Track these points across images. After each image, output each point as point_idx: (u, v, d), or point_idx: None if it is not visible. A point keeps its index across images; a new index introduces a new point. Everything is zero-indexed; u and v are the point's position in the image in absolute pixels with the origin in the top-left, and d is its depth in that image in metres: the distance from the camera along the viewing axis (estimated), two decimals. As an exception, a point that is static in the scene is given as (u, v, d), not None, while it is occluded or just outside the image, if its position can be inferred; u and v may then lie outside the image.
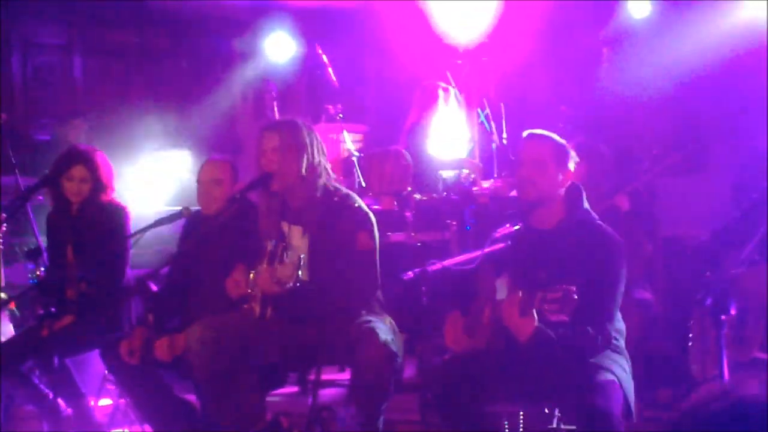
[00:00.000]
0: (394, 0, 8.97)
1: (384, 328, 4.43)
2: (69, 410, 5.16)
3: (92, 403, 5.34)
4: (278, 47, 9.50)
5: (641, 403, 4.42)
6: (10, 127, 7.74)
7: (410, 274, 5.27)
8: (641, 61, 8.33)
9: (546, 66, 8.94)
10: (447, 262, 5.16)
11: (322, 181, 4.61)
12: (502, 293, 4.14)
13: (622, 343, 4.12)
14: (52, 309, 4.87)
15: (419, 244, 6.58)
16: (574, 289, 3.62)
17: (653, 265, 6.08)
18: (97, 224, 5.35)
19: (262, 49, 9.57)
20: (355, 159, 7.50)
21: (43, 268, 5.72)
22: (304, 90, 10.27)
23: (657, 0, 8.25)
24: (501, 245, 4.34)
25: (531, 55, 8.71)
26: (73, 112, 8.82)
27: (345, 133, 8.00)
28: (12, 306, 5.79)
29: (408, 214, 6.65)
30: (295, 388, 5.89)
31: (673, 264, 6.39)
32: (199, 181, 5.16)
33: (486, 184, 7.30)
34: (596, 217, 4.21)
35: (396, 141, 7.55)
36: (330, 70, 8.39)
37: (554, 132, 4.27)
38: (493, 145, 7.79)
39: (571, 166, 4.17)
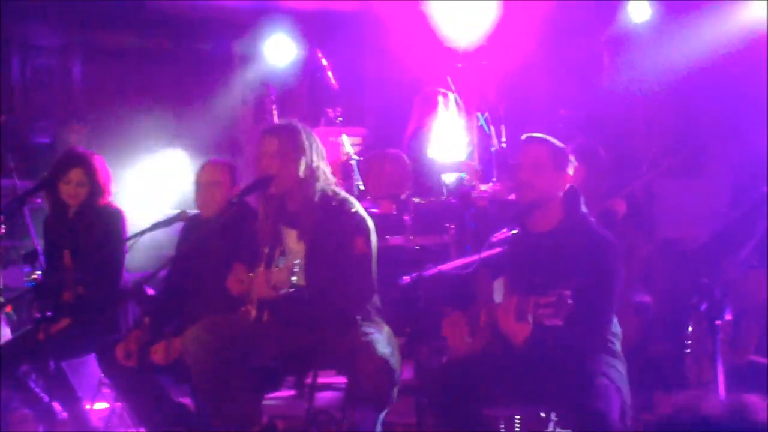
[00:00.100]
0: (394, 2, 8.96)
1: (382, 340, 4.43)
2: (65, 414, 5.16)
3: (88, 406, 5.34)
4: (278, 50, 9.49)
5: (637, 406, 4.41)
6: (9, 129, 7.76)
7: (407, 278, 5.27)
8: (641, 64, 8.33)
9: (546, 69, 8.93)
10: (443, 267, 5.15)
11: (320, 185, 4.61)
12: (499, 296, 4.14)
13: (618, 346, 4.13)
14: (49, 312, 4.87)
15: (418, 247, 6.57)
16: (569, 293, 3.63)
17: (651, 267, 6.06)
18: (94, 228, 5.35)
19: (261, 51, 9.56)
20: (353, 162, 7.49)
21: (39, 272, 5.72)
22: (303, 93, 10.25)
23: (657, 1, 8.24)
24: (498, 249, 4.35)
25: (531, 58, 8.71)
26: (71, 115, 8.83)
27: (344, 136, 7.99)
28: (9, 309, 5.78)
29: (406, 217, 6.63)
30: (291, 392, 5.88)
31: (671, 266, 6.38)
32: (197, 184, 5.15)
33: (485, 187, 7.29)
34: (594, 220, 4.21)
35: (395, 144, 7.54)
36: (329, 73, 8.39)
37: (553, 135, 4.27)
38: (492, 149, 7.79)
39: (570, 170, 4.18)
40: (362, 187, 7.25)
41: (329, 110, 8.29)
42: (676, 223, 6.74)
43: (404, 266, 5.70)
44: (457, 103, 7.75)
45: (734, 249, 4.60)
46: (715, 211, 6.21)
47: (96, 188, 5.41)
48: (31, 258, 5.51)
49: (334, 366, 4.94)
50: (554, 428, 4.25)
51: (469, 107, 8.00)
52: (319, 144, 4.69)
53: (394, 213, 6.76)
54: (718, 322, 3.78)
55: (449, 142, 7.55)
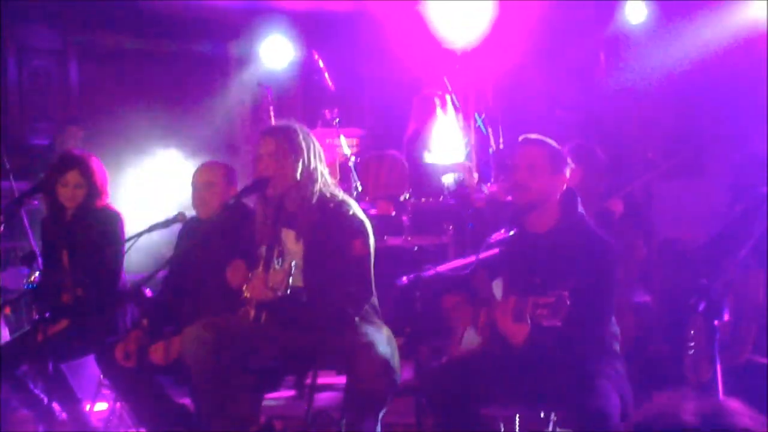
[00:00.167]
0: (390, 3, 8.97)
1: (382, 341, 4.43)
2: (64, 415, 5.15)
3: (88, 407, 5.33)
4: (275, 51, 9.49)
5: (636, 406, 4.40)
6: (5, 131, 7.75)
7: (405, 279, 5.27)
8: (638, 65, 8.34)
9: (543, 70, 8.94)
10: (441, 268, 5.15)
11: (317, 186, 4.60)
12: (498, 296, 4.15)
13: (617, 346, 4.13)
14: (47, 314, 4.86)
15: (416, 248, 6.58)
16: (567, 294, 3.63)
17: (651, 267, 6.07)
18: (92, 230, 5.34)
19: (258, 53, 9.56)
20: (351, 163, 7.50)
21: (37, 273, 5.71)
22: (300, 94, 10.25)
23: (654, 1, 8.26)
24: (496, 250, 4.34)
25: (528, 59, 8.72)
26: (68, 117, 8.82)
27: (341, 137, 7.99)
28: (7, 311, 5.78)
29: (405, 218, 6.64)
30: (291, 392, 5.88)
31: (670, 267, 6.38)
32: (193, 185, 5.14)
33: (482, 188, 7.29)
34: (591, 221, 4.21)
35: (392, 145, 7.55)
36: (326, 74, 8.39)
37: (550, 136, 4.27)
38: (491, 150, 7.79)
39: (567, 171, 4.18)
40: (360, 188, 7.25)
41: (326, 111, 8.28)
42: (675, 224, 6.75)
43: (402, 267, 5.70)
44: (454, 104, 7.75)
45: (733, 249, 4.59)
46: (715, 211, 6.21)
47: (93, 190, 5.39)
48: (29, 260, 5.50)
49: (334, 366, 4.94)
50: (554, 428, 4.25)
51: (466, 108, 8.01)
52: (317, 145, 4.69)
53: (392, 214, 6.76)
54: (716, 322, 3.77)
55: (448, 144, 7.56)
